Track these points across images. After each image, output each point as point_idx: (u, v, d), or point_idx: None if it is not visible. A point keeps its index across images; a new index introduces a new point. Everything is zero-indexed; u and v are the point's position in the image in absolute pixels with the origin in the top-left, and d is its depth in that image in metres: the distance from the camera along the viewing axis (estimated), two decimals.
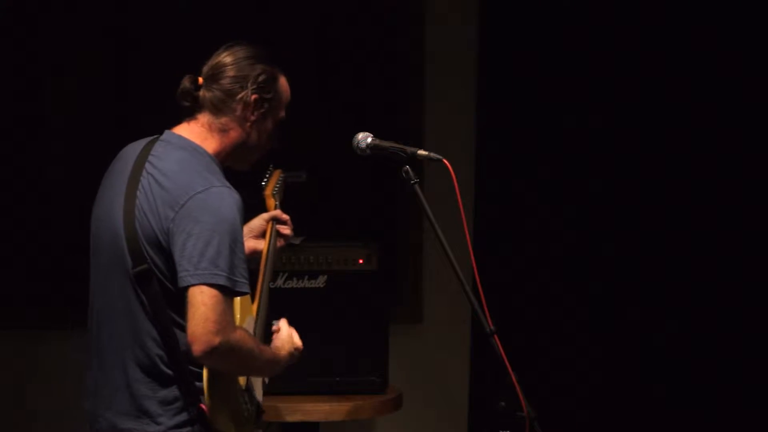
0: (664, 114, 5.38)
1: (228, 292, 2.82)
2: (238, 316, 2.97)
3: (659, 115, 5.39)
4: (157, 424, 2.92)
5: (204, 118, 3.01)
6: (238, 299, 2.95)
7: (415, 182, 3.00)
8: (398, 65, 5.38)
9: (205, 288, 2.80)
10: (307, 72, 5.09)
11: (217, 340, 2.78)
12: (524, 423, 2.77)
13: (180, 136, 3.01)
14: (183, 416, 2.92)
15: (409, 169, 3.01)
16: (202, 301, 2.79)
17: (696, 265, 5.38)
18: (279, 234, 3.39)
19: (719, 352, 5.37)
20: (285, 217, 3.39)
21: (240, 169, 3.10)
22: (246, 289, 2.87)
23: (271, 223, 3.37)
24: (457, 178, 2.94)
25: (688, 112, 5.36)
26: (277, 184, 3.52)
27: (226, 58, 3.00)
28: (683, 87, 5.35)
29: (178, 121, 3.07)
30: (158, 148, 3.00)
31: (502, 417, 2.81)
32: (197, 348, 2.79)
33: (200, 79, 3.03)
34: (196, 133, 3.01)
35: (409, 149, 3.05)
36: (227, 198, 2.86)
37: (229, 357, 2.83)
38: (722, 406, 5.37)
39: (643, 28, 5.35)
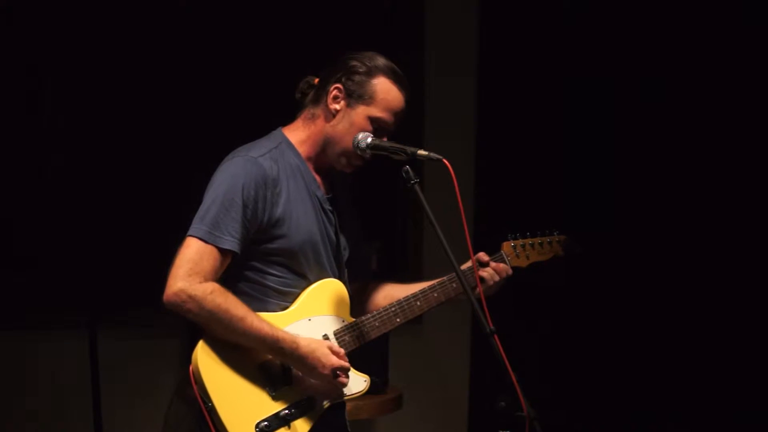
0: (667, 115, 5.39)
1: (207, 246, 2.93)
2: (296, 304, 3.06)
3: (661, 117, 5.39)
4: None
5: (305, 110, 3.16)
6: (308, 292, 3.07)
7: (415, 182, 3.01)
8: (398, 65, 5.38)
9: (187, 239, 2.96)
10: (306, 71, 5.10)
11: (177, 285, 2.89)
12: (524, 423, 2.77)
13: (279, 130, 3.16)
14: None
15: (409, 169, 3.02)
16: (180, 251, 2.94)
17: (699, 265, 5.38)
18: (483, 279, 3.24)
19: (720, 353, 5.37)
20: (485, 259, 3.28)
21: (341, 168, 3.16)
22: (229, 246, 2.94)
23: (475, 263, 3.26)
24: (457, 178, 2.94)
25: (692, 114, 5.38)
26: (540, 243, 3.41)
27: (338, 59, 3.14)
28: (684, 88, 5.36)
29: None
30: None
31: (502, 417, 2.81)
32: (164, 293, 2.91)
33: (316, 80, 3.18)
34: (291, 125, 3.16)
35: (409, 149, 3.06)
36: (241, 164, 3.00)
37: (190, 306, 2.90)
38: (721, 405, 5.38)
39: (643, 29, 5.36)
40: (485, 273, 3.28)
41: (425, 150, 3.05)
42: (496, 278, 3.26)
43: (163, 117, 5.10)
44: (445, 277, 3.27)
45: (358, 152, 3.10)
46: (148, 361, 5.09)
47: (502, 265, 3.30)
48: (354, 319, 3.16)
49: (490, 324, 2.84)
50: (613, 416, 5.44)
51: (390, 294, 3.31)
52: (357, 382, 3.16)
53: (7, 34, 4.95)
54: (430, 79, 5.43)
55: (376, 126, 3.09)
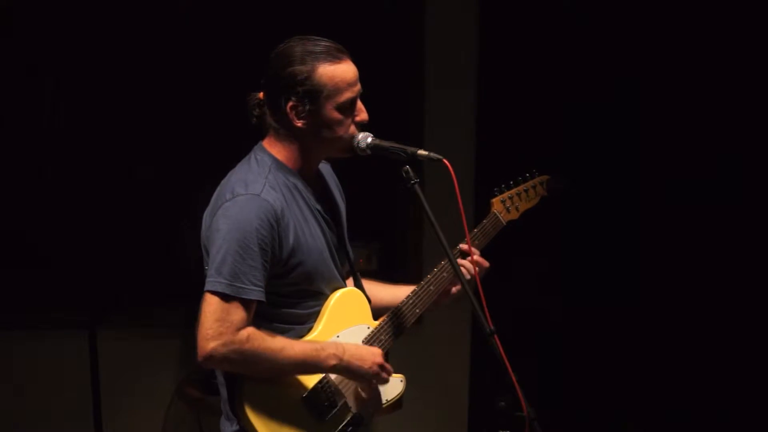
0: (668, 116, 5.39)
1: (230, 300, 2.84)
2: (320, 325, 3.01)
3: (662, 116, 5.39)
4: (226, 424, 3.00)
5: (271, 129, 3.04)
6: (329, 308, 3.03)
7: (415, 182, 2.99)
8: (398, 66, 5.39)
9: (207, 295, 2.86)
10: None
11: (210, 347, 2.83)
12: (524, 423, 2.77)
13: (262, 146, 3.06)
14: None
15: (409, 169, 3.00)
16: (203, 308, 2.86)
17: (700, 265, 5.38)
18: (460, 280, 3.10)
19: (721, 352, 5.37)
20: (463, 247, 3.22)
21: (340, 157, 3.11)
22: (254, 296, 2.86)
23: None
24: (457, 178, 2.94)
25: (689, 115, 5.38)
26: (525, 190, 3.44)
27: (269, 70, 3.01)
28: (683, 87, 5.36)
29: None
30: (243, 160, 3.07)
31: (502, 417, 2.81)
32: (198, 354, 2.86)
33: (261, 95, 3.06)
34: (270, 141, 3.05)
35: (409, 149, 3.04)
36: (247, 205, 2.89)
37: (227, 362, 2.87)
38: (720, 405, 5.38)
39: (644, 29, 5.36)
40: (467, 266, 3.23)
41: (425, 150, 3.03)
42: (473, 272, 3.20)
43: (163, 118, 5.10)
44: (435, 269, 3.24)
45: (359, 152, 3.08)
46: (148, 361, 5.09)
47: (480, 259, 3.25)
48: (377, 323, 3.15)
49: (490, 324, 2.83)
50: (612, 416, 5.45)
51: (373, 296, 3.25)
52: (394, 384, 3.19)
53: (8, 34, 4.95)
54: (430, 80, 5.43)
55: (347, 106, 3.00)
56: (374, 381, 3.09)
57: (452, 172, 2.95)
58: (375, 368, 3.05)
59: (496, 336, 2.81)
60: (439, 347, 5.51)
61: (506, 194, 3.41)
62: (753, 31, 5.25)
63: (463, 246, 3.24)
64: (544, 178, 3.49)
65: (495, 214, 3.37)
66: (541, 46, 5.39)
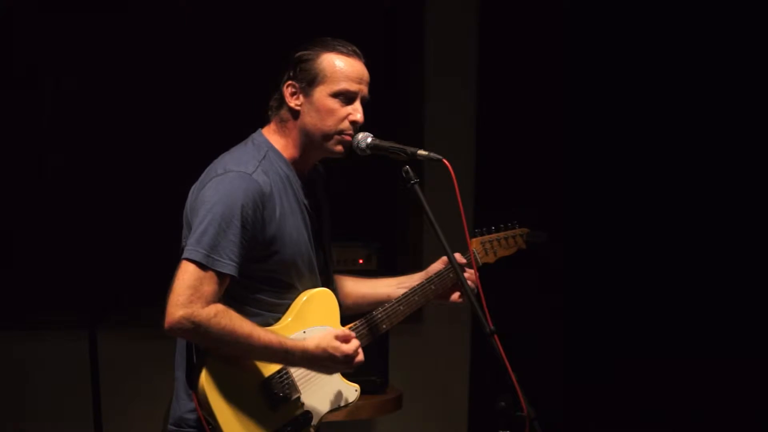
0: (669, 117, 5.39)
1: (206, 270, 2.86)
2: (289, 318, 3.03)
3: (663, 117, 5.39)
4: (179, 406, 3.04)
5: (276, 116, 3.11)
6: (301, 303, 3.04)
7: (415, 182, 3.00)
8: (398, 65, 5.39)
9: (183, 263, 2.88)
10: None
11: (179, 314, 2.83)
12: (524, 423, 2.77)
13: (260, 132, 3.11)
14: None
15: (409, 169, 3.01)
16: (177, 275, 2.87)
17: (699, 265, 5.38)
18: (461, 283, 3.12)
19: (720, 353, 5.37)
20: (462, 261, 3.27)
21: (333, 155, 3.11)
22: (228, 270, 2.88)
23: (445, 265, 3.28)
24: (457, 178, 2.94)
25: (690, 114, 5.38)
26: (505, 238, 3.47)
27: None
28: (684, 88, 5.36)
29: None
30: (240, 143, 3.11)
31: (502, 417, 2.81)
32: (165, 320, 2.86)
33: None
34: (269, 129, 3.11)
35: (409, 149, 3.05)
36: (237, 182, 2.92)
37: (195, 332, 2.87)
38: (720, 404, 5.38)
39: (644, 29, 5.36)
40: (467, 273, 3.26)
41: (425, 150, 3.04)
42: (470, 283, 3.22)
43: (162, 117, 5.10)
44: (424, 280, 3.28)
45: (358, 152, 3.09)
46: (148, 361, 5.09)
47: (472, 271, 3.27)
48: (344, 329, 3.15)
49: (490, 324, 2.84)
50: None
51: (353, 291, 3.30)
52: (348, 392, 3.17)
53: (8, 35, 4.95)
54: (430, 80, 5.43)
55: (344, 99, 3.03)
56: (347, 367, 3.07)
57: (452, 172, 2.95)
58: (341, 362, 3.02)
59: (496, 336, 2.81)
60: (439, 347, 5.51)
61: (487, 237, 3.43)
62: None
63: (460, 258, 3.26)
64: (525, 230, 3.52)
65: (474, 253, 3.36)
66: (541, 45, 5.39)
